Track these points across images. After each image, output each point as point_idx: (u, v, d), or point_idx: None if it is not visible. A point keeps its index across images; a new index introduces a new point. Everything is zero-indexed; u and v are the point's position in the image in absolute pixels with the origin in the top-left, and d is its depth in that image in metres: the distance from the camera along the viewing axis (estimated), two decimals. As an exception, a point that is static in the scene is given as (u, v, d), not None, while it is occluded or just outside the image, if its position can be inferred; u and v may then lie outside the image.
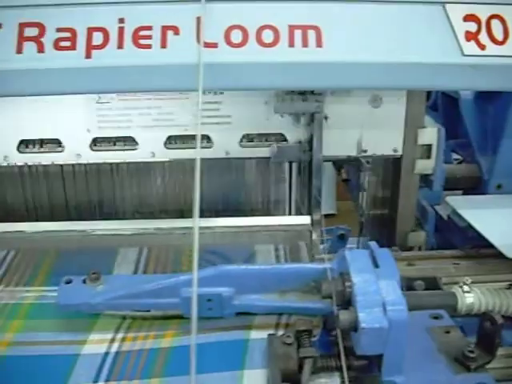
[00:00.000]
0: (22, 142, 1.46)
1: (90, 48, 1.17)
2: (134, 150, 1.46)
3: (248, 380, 1.05)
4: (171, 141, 1.47)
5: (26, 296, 1.28)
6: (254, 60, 1.19)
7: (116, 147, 1.47)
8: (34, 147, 1.47)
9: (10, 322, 1.20)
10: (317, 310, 1.12)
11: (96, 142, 1.46)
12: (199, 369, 0.97)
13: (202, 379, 0.99)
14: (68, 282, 1.17)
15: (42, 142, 1.47)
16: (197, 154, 1.06)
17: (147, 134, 1.45)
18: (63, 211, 1.55)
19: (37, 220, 1.51)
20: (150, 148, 1.46)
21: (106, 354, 1.11)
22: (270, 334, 1.10)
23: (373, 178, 1.59)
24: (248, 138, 1.47)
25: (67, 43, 1.18)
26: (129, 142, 1.47)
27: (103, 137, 1.46)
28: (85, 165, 1.51)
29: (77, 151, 1.46)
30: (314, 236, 1.44)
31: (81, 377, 1.07)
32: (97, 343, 1.14)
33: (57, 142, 1.46)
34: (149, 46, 1.18)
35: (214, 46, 1.18)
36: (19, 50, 1.18)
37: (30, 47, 1.18)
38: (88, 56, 1.17)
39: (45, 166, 1.50)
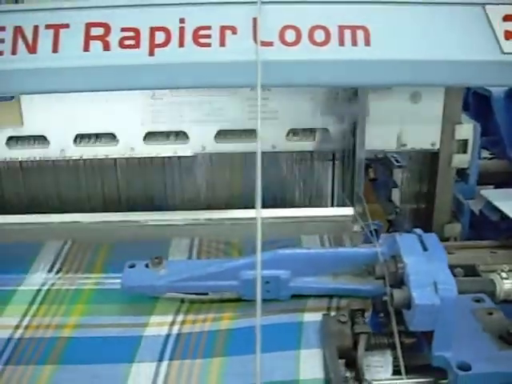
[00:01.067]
0: (77, 135, 1.53)
1: (153, 46, 1.24)
2: (185, 143, 1.54)
3: (304, 359, 1.11)
4: (221, 135, 1.53)
5: (86, 283, 1.35)
6: (307, 58, 1.25)
7: (168, 141, 1.54)
8: (89, 141, 1.54)
9: (73, 307, 1.27)
10: (368, 292, 1.19)
11: (149, 136, 1.53)
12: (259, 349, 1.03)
13: (262, 358, 1.03)
14: (131, 267, 1.24)
15: (97, 136, 1.54)
16: (257, 147, 1.13)
17: (198, 128, 1.52)
18: (116, 203, 1.62)
19: (91, 211, 1.58)
20: (201, 142, 1.53)
21: (168, 335, 1.18)
22: (324, 314, 1.17)
23: (406, 173, 1.66)
24: (294, 133, 1.54)
25: (131, 42, 1.25)
26: (180, 136, 1.54)
27: (156, 131, 1.53)
28: (138, 158, 1.57)
29: (131, 145, 1.53)
30: (356, 227, 1.50)
31: (146, 356, 1.14)
32: (158, 326, 1.21)
33: (111, 136, 1.53)
34: (208, 45, 1.25)
35: (270, 44, 1.24)
36: (86, 48, 1.25)
37: (96, 45, 1.25)
38: (151, 54, 1.24)
39: (99, 159, 1.57)
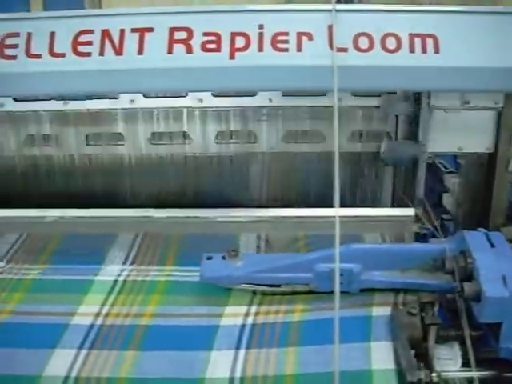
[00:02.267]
0: (153, 134, 1.61)
1: (233, 50, 1.32)
2: (254, 143, 1.61)
3: (375, 350, 1.15)
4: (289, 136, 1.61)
5: (159, 274, 1.41)
6: (380, 64, 1.32)
7: (237, 140, 1.62)
8: (164, 139, 1.62)
9: (149, 297, 1.33)
10: (436, 286, 1.24)
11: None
12: (331, 340, 1.09)
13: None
14: (209, 258, 1.31)
15: (171, 135, 1.62)
16: (335, 146, 1.19)
17: (267, 128, 1.59)
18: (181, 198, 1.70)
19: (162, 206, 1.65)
20: (269, 142, 1.60)
21: (243, 325, 1.24)
22: (393, 308, 1.23)
23: (457, 179, 1.71)
24: (359, 134, 1.61)
25: (213, 45, 1.32)
26: (252, 136, 1.62)
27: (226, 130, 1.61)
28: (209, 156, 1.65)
29: (204, 144, 1.61)
30: (415, 227, 1.56)
31: (224, 344, 1.19)
32: (233, 316, 1.27)
33: (186, 136, 1.62)
34: (286, 50, 1.32)
35: (345, 50, 1.31)
36: (170, 51, 1.33)
37: (179, 48, 1.33)
38: (232, 57, 1.32)
39: (172, 155, 1.65)
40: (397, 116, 1.62)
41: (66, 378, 1.11)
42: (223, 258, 1.31)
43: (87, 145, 1.68)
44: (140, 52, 1.33)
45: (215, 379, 1.12)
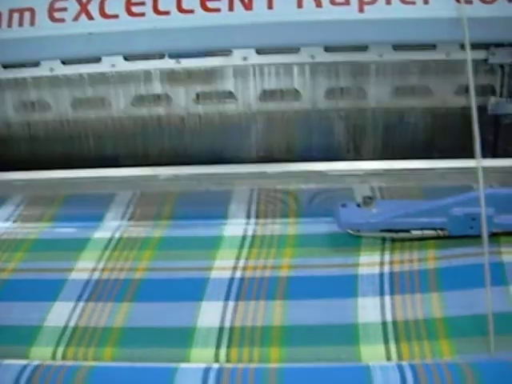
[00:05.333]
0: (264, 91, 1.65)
1: (362, 3, 1.35)
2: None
3: None
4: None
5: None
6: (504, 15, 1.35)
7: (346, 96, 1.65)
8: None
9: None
10: None
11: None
12: (473, 285, 1.16)
13: (480, 293, 1.14)
14: (343, 206, 1.36)
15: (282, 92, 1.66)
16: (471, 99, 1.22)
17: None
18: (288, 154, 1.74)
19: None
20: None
21: (381, 274, 1.27)
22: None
23: None
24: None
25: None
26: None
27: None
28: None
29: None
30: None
31: (367, 292, 1.23)
32: (369, 265, 1.30)
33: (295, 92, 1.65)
34: (413, 3, 1.35)
35: (470, 2, 1.35)
36: (299, 5, 1.37)
37: (309, 3, 1.37)
38: (361, 10, 1.35)
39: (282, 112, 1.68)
40: (503, 69, 1.63)
41: (221, 328, 1.15)
42: (358, 205, 1.35)
43: (197, 104, 1.70)
44: (270, 7, 1.36)
45: (366, 324, 1.15)
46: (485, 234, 1.15)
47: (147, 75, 1.66)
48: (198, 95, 1.69)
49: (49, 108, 1.71)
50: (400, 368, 0.96)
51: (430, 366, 0.98)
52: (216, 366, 1.00)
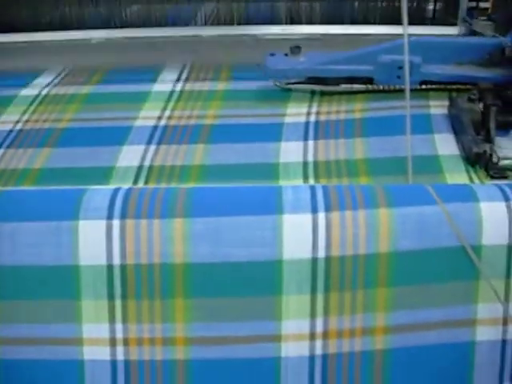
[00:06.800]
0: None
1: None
2: None
3: (439, 141, 1.20)
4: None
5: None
6: None
7: None
8: None
9: (209, 103, 1.38)
10: (492, 79, 1.28)
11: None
12: (397, 132, 1.16)
13: (402, 139, 1.13)
14: (272, 55, 1.35)
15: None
16: None
17: None
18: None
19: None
20: None
21: (307, 122, 1.29)
22: (450, 96, 1.27)
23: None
24: None
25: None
26: None
27: None
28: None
29: None
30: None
31: (291, 136, 1.24)
32: (295, 115, 1.31)
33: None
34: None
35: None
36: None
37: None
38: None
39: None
40: None
41: (140, 167, 1.15)
42: (285, 54, 1.34)
43: None
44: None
45: (287, 163, 1.17)
46: (407, 77, 1.14)
47: None
48: None
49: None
50: (312, 188, 0.95)
51: (342, 187, 0.98)
52: (125, 187, 0.99)
